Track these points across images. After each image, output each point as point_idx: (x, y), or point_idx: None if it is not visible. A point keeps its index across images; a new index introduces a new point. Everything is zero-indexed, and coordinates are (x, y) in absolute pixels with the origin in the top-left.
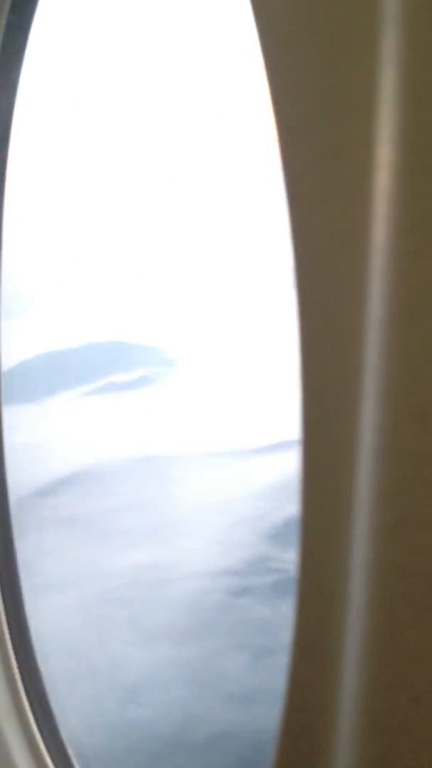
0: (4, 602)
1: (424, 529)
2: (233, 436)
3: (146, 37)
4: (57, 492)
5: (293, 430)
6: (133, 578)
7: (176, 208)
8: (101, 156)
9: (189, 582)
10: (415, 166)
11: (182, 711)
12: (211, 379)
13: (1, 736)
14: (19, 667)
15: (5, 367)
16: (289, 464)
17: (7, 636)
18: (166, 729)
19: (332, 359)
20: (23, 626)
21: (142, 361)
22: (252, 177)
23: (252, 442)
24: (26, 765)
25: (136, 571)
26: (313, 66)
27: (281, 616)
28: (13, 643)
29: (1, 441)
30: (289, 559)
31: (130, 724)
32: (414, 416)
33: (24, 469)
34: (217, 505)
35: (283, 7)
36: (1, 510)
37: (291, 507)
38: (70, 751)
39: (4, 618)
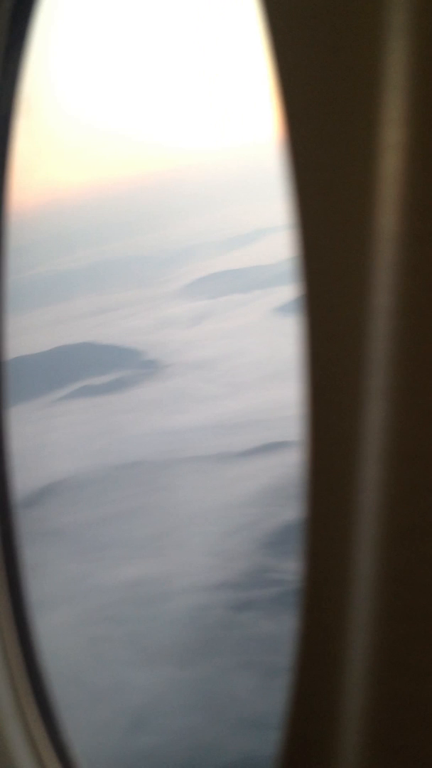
0: (14, 619)
1: (428, 538)
2: (219, 438)
3: None
4: (38, 503)
5: (280, 432)
6: (127, 594)
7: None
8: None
9: (187, 597)
10: (420, 149)
11: (193, 738)
12: (192, 380)
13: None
14: (28, 682)
15: None
16: (278, 467)
17: (15, 653)
18: (177, 758)
19: (337, 354)
20: (30, 644)
21: (116, 363)
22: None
23: (239, 444)
24: None
25: (129, 587)
26: (317, 48)
27: (288, 632)
28: (24, 659)
29: (8, 446)
30: (289, 569)
31: (137, 754)
32: (420, 416)
33: None
34: (209, 513)
35: None
36: (6, 522)
37: (284, 513)
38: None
39: (12, 635)
